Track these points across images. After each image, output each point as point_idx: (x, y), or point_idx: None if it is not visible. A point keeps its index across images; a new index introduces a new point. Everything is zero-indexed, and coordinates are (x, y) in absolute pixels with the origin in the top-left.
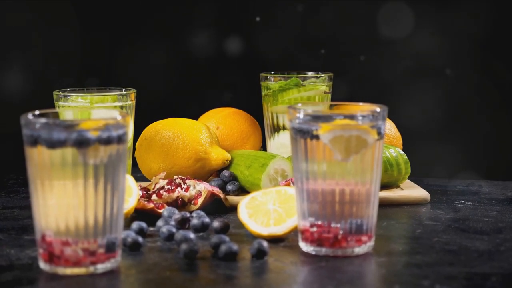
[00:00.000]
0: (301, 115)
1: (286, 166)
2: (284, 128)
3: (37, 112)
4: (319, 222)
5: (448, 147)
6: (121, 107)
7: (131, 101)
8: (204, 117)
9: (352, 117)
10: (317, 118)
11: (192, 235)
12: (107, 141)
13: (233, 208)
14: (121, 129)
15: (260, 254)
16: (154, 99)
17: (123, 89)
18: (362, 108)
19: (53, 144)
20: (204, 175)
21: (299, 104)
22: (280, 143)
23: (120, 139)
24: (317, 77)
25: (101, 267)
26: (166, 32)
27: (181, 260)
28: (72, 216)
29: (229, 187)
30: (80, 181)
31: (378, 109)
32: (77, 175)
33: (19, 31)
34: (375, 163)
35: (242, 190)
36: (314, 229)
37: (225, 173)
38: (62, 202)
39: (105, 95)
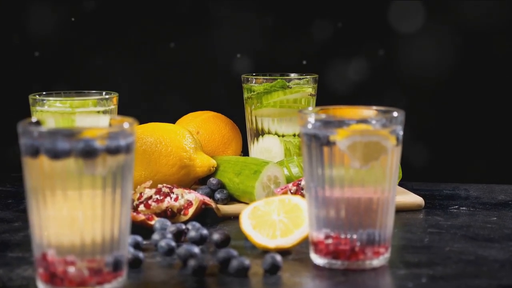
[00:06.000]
0: (312, 120)
1: (279, 172)
2: (269, 132)
3: (34, 119)
4: (335, 234)
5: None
6: (104, 112)
7: (113, 106)
8: (182, 121)
9: (365, 121)
10: (329, 123)
11: (196, 250)
12: (116, 151)
13: (224, 218)
14: (129, 137)
15: (273, 269)
16: (127, 102)
17: (104, 93)
18: (354, 112)
19: (57, 155)
20: (188, 183)
21: (309, 108)
22: (264, 147)
23: (129, 148)
24: (300, 79)
25: None
26: (144, 34)
27: (190, 277)
28: (78, 232)
29: (218, 195)
30: (86, 193)
31: (395, 114)
32: (83, 187)
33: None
34: (393, 170)
35: (231, 199)
36: (329, 240)
37: (213, 180)
38: (67, 217)
39: (86, 99)
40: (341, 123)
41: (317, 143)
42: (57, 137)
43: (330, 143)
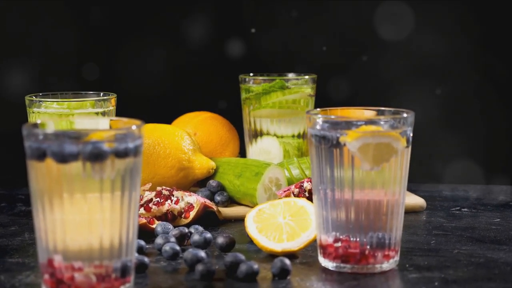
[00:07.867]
0: (320, 121)
1: (280, 174)
2: (267, 133)
3: (39, 121)
4: (345, 237)
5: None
6: (102, 113)
7: (112, 107)
8: (178, 122)
9: (375, 122)
10: (338, 124)
11: (203, 254)
12: (124, 154)
13: (224, 221)
14: (137, 139)
15: (283, 273)
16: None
17: (101, 94)
18: (352, 113)
19: (64, 158)
20: (187, 185)
21: (313, 109)
22: (263, 149)
23: (137, 151)
24: (299, 79)
25: None
26: (142, 35)
27: (198, 282)
28: (85, 236)
29: (218, 197)
30: (94, 196)
31: (405, 114)
32: (90, 190)
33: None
34: (403, 172)
35: (231, 201)
36: (339, 244)
37: (212, 183)
38: (74, 221)
39: (83, 100)
40: (350, 124)
41: (326, 145)
42: (64, 139)
43: (339, 145)
